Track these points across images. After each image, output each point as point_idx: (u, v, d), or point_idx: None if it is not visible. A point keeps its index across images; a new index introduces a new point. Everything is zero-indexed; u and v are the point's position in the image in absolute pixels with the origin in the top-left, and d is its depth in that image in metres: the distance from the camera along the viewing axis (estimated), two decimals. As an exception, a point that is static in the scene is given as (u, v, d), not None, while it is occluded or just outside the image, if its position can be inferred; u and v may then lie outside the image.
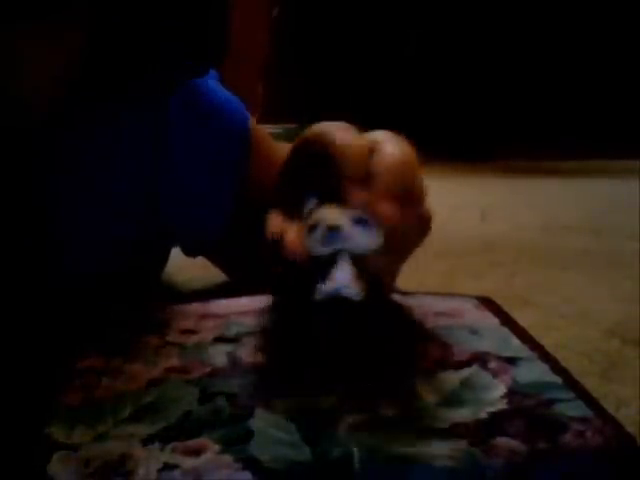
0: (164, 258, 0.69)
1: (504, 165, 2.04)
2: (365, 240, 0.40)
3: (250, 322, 0.50)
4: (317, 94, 2.22)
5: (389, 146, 0.43)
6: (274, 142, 0.65)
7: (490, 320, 0.53)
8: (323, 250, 0.40)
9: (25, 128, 0.47)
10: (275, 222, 0.42)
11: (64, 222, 0.53)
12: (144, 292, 0.56)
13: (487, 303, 0.57)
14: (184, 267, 0.60)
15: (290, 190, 0.45)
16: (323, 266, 0.40)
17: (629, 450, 0.37)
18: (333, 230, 0.39)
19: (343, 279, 0.40)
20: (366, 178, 0.40)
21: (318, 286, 0.40)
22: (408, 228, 0.42)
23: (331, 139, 0.42)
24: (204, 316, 0.52)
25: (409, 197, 0.42)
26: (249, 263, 0.51)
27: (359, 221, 0.39)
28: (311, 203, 0.42)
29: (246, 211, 0.57)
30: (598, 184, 1.74)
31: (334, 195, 0.41)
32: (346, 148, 0.41)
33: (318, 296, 0.40)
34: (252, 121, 0.63)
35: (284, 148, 0.54)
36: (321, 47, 2.19)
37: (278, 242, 0.41)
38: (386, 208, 0.39)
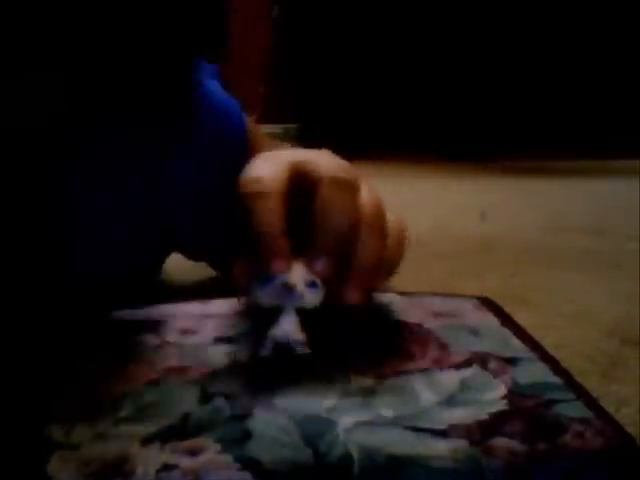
0: (162, 261, 0.70)
1: (504, 165, 2.04)
2: (312, 300, 0.43)
3: (250, 322, 0.50)
4: (317, 94, 2.22)
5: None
6: (270, 142, 0.65)
7: (490, 321, 0.53)
8: (271, 303, 0.43)
9: (37, 130, 0.48)
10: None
11: (72, 223, 0.54)
12: (143, 292, 0.56)
13: (487, 303, 0.57)
14: (183, 267, 0.60)
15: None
16: (269, 315, 0.43)
17: (629, 450, 0.37)
18: (288, 288, 0.42)
19: (290, 329, 0.42)
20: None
21: (267, 334, 0.43)
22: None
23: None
24: (204, 316, 0.52)
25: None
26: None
27: (311, 284, 0.43)
28: None
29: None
30: (598, 184, 1.74)
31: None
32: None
33: (266, 346, 0.42)
34: (250, 123, 0.63)
35: (281, 148, 0.54)
36: (321, 47, 2.19)
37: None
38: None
